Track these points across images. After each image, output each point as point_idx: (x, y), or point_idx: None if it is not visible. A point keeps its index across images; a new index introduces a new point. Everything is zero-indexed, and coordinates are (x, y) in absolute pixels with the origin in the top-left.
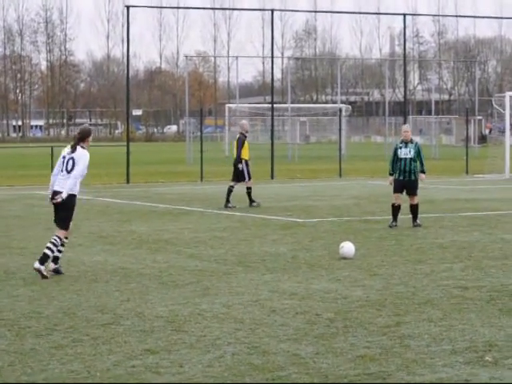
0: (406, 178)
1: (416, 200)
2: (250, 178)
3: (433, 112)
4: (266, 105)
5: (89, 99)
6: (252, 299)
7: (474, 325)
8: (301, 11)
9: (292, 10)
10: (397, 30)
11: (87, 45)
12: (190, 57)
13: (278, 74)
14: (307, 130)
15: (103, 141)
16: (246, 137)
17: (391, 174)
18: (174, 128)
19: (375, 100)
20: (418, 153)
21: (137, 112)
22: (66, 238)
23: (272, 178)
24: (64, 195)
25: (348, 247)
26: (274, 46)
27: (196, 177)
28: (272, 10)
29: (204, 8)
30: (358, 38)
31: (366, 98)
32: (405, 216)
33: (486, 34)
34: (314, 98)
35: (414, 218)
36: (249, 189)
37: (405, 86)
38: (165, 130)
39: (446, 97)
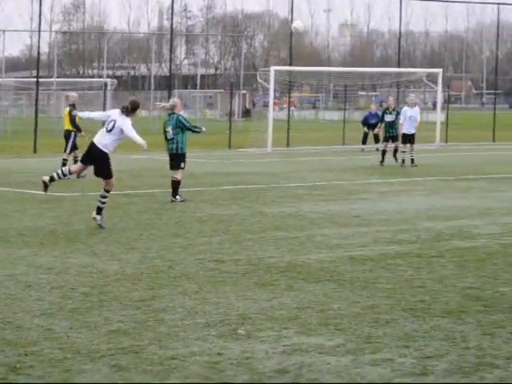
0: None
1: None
2: (70, 152)
3: (198, 86)
4: (32, 79)
5: None
6: (8, 274)
7: (228, 298)
8: None
9: None
10: (166, 4)
11: None
12: None
13: (45, 48)
14: None
15: None
16: (75, 108)
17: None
18: None
19: (142, 74)
20: (176, 125)
21: None
22: (109, 191)
23: (35, 151)
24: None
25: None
26: (42, 20)
27: None
28: None
29: None
30: (127, 12)
31: (132, 72)
32: (165, 190)
33: (254, 9)
34: (81, 72)
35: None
36: (65, 160)
37: (170, 61)
38: None
39: (213, 71)
